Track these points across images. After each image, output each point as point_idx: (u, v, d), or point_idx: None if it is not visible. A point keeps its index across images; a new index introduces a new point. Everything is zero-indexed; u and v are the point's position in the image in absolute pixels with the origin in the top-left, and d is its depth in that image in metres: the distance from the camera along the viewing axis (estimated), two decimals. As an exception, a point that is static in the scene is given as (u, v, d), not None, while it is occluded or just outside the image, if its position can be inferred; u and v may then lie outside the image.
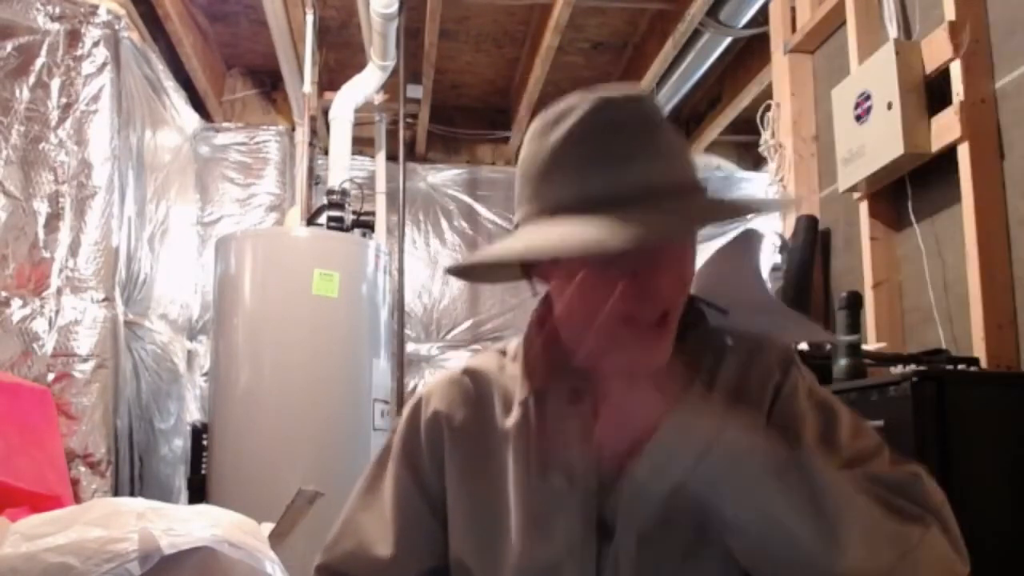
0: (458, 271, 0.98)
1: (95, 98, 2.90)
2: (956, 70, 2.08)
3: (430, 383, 0.96)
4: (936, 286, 2.22)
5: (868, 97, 2.32)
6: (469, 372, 0.94)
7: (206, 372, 3.84)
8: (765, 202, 0.90)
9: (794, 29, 2.95)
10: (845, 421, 0.83)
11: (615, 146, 0.77)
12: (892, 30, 2.37)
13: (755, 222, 0.94)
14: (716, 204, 0.83)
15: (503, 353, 0.94)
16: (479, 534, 0.88)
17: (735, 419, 0.76)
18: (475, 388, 0.92)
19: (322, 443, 3.02)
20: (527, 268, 0.88)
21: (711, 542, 0.79)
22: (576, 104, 0.80)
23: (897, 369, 1.87)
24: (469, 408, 0.91)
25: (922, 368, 1.79)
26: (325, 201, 3.63)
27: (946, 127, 2.10)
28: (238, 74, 4.58)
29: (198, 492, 3.12)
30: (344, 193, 3.63)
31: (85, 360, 2.73)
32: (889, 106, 2.21)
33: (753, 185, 4.86)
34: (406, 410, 0.96)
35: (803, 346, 2.19)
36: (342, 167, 3.85)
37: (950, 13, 2.11)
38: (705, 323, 0.88)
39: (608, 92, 0.81)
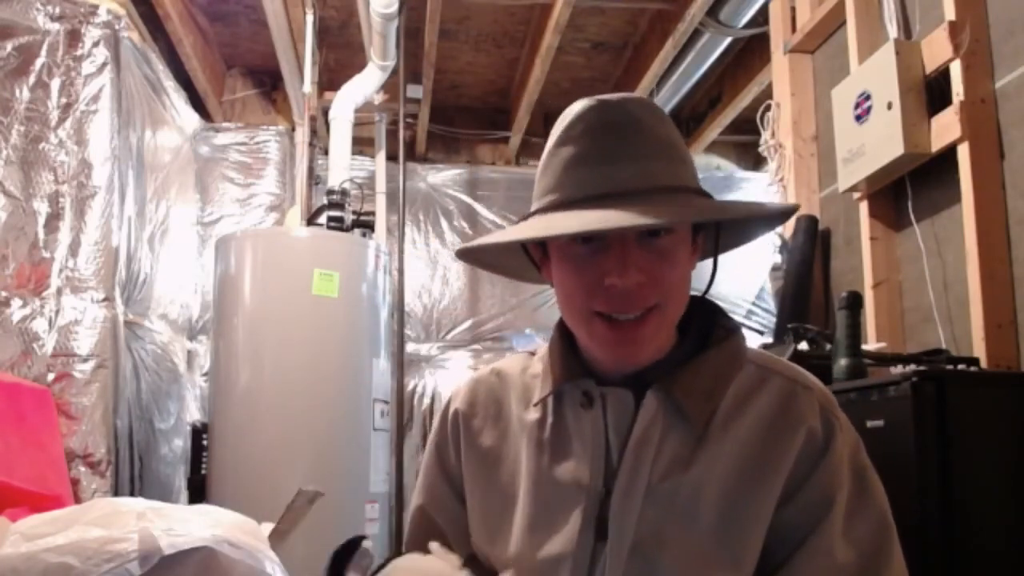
0: (467, 254, 0.98)
1: (95, 98, 2.90)
2: (956, 70, 2.08)
3: (461, 381, 1.02)
4: (936, 286, 2.22)
5: (868, 97, 2.32)
6: (496, 372, 0.99)
7: (206, 372, 3.84)
8: (757, 205, 0.90)
9: (794, 29, 2.95)
10: (874, 508, 0.82)
11: (597, 147, 0.81)
12: (892, 30, 2.38)
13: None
14: (696, 203, 0.83)
15: (532, 354, 0.99)
16: (491, 524, 0.91)
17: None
18: (499, 387, 0.97)
19: (322, 443, 3.02)
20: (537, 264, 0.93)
21: (707, 561, 0.79)
22: (572, 108, 0.85)
23: (897, 369, 1.88)
24: (490, 406, 0.96)
25: (922, 368, 1.79)
26: (325, 201, 3.63)
27: (946, 127, 2.10)
28: (238, 74, 4.58)
29: (198, 492, 3.12)
30: (344, 193, 3.63)
31: (85, 360, 2.73)
32: (889, 106, 2.21)
33: (753, 185, 4.86)
34: (440, 412, 1.03)
35: (803, 346, 2.19)
36: (342, 167, 3.85)
37: (950, 13, 2.11)
38: (735, 340, 0.88)
39: (603, 96, 0.84)
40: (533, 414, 0.91)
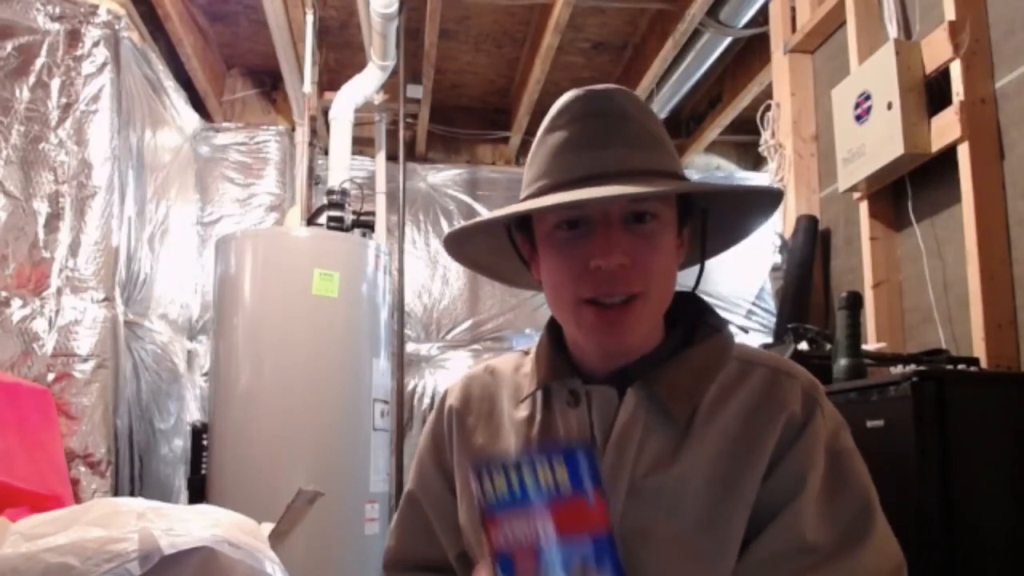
0: (457, 251, 0.97)
1: (95, 98, 2.90)
2: (956, 70, 2.08)
3: (455, 379, 1.04)
4: (936, 286, 2.22)
5: (868, 97, 2.32)
6: (490, 370, 1.01)
7: (206, 372, 3.85)
8: (739, 185, 0.94)
9: (794, 29, 2.95)
10: (851, 492, 0.81)
11: (584, 134, 0.83)
12: (892, 30, 2.37)
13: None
14: (679, 183, 0.85)
15: (526, 353, 1.00)
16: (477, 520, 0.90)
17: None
18: (492, 385, 0.98)
19: (322, 443, 3.02)
20: (526, 261, 0.94)
21: (692, 555, 0.79)
22: (560, 99, 0.87)
23: (897, 369, 1.88)
24: (484, 404, 0.97)
25: (922, 368, 1.79)
26: (325, 201, 3.63)
27: (946, 127, 2.10)
28: (238, 74, 4.58)
29: (198, 492, 3.12)
30: (344, 193, 3.63)
31: (85, 360, 2.73)
32: (889, 106, 2.21)
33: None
34: (436, 404, 1.04)
35: (803, 346, 2.19)
36: (342, 167, 3.85)
37: (950, 13, 2.11)
38: (720, 338, 0.88)
39: (590, 87, 0.86)
40: (522, 412, 0.92)
